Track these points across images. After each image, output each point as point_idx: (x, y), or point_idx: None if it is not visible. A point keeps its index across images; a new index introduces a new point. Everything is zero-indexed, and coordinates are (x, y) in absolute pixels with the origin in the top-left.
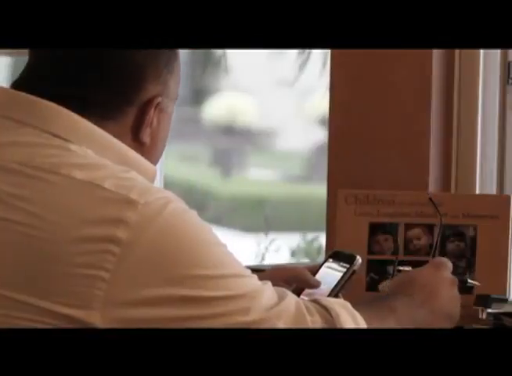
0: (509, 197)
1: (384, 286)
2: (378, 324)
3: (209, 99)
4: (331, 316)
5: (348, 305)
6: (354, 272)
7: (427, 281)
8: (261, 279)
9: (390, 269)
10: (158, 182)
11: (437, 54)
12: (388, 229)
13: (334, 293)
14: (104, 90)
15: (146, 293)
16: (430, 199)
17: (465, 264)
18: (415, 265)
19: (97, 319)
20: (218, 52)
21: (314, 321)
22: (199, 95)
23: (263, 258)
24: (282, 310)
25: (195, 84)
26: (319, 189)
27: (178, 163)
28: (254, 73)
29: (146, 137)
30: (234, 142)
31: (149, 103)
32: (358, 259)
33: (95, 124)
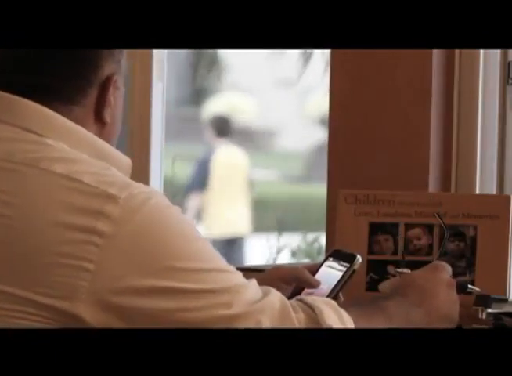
0: (509, 197)
1: (384, 286)
2: (365, 323)
3: (209, 99)
4: (315, 313)
5: (334, 303)
6: (354, 271)
7: (424, 282)
8: (261, 279)
9: (390, 269)
10: (158, 182)
11: (437, 54)
12: (388, 229)
13: (334, 293)
14: (65, 74)
15: (130, 283)
16: (439, 215)
17: (465, 264)
18: (415, 265)
19: (82, 309)
20: (218, 51)
21: (298, 317)
22: (199, 95)
23: (274, 260)
24: (266, 305)
25: (195, 84)
26: (319, 189)
27: (178, 163)
28: (254, 73)
29: (107, 117)
30: (234, 142)
31: (107, 82)
32: (359, 258)
33: (62, 109)
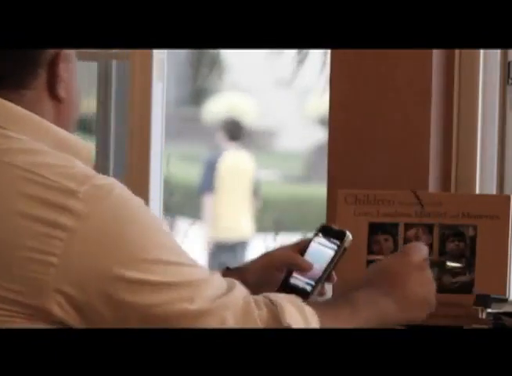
0: (509, 197)
1: None
2: (331, 317)
3: (209, 99)
4: (277, 311)
5: (297, 300)
6: (345, 249)
7: (393, 269)
8: (252, 267)
9: None
10: (158, 182)
11: (437, 54)
12: (388, 229)
13: (327, 273)
14: (11, 60)
15: (93, 277)
16: (415, 194)
17: (465, 264)
18: None
19: (51, 304)
20: (218, 51)
21: (260, 315)
22: (199, 95)
23: None
24: (229, 301)
25: (195, 84)
26: (319, 189)
27: (178, 163)
28: (254, 73)
29: (62, 92)
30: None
31: (55, 58)
32: (349, 236)
33: (13, 96)
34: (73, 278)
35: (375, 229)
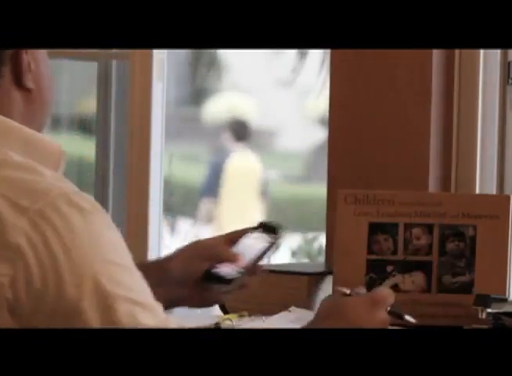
0: (509, 197)
1: (325, 299)
2: None
3: (209, 99)
4: None
5: None
6: (276, 244)
7: (355, 318)
8: (177, 256)
9: (389, 268)
10: (158, 182)
11: (437, 54)
12: (388, 229)
13: (253, 264)
14: None
15: (42, 302)
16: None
17: (464, 264)
18: (415, 265)
19: (10, 323)
20: (218, 51)
21: None
22: (199, 95)
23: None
24: None
25: (195, 84)
26: (319, 189)
27: (179, 163)
28: (254, 73)
29: (29, 82)
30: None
31: (18, 51)
32: (281, 231)
33: None
34: (23, 300)
35: (375, 229)
